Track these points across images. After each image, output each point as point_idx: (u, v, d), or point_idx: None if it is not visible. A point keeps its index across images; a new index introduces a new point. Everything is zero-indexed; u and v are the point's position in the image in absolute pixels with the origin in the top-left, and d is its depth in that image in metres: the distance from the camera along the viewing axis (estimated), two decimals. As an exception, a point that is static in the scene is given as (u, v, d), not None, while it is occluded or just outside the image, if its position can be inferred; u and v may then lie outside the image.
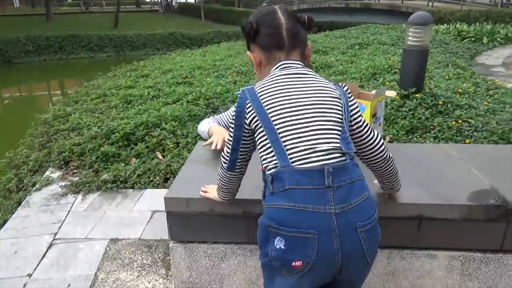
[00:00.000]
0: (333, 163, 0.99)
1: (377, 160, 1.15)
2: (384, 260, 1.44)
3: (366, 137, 1.12)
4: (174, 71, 5.78)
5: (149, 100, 4.33)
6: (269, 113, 1.04)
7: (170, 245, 1.52)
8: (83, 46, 18.60)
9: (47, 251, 2.14)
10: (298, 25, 1.13)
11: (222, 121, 2.06)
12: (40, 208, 2.61)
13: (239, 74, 5.37)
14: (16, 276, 1.94)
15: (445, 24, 10.61)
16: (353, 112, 1.12)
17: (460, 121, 3.12)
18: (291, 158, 1.00)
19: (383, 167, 1.18)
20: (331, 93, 1.08)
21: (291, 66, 1.12)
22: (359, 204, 0.98)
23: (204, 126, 2.06)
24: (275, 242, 0.97)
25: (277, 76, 1.11)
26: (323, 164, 0.98)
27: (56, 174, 3.12)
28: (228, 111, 2.09)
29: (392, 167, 1.19)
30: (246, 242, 1.48)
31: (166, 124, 3.51)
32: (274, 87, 1.08)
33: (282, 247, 0.96)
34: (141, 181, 2.80)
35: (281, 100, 1.06)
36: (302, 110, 1.04)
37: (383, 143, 1.15)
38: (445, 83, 4.16)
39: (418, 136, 3.02)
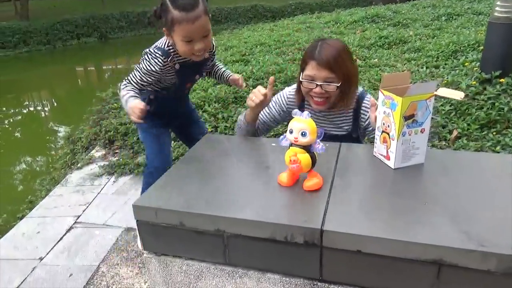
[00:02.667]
0: None
1: None
2: (391, 309, 1.11)
3: None
4: (235, 47, 5.60)
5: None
6: None
7: (144, 255, 1.37)
8: (169, 21, 19.35)
9: (64, 234, 2.17)
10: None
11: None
12: (74, 188, 2.68)
13: (301, 50, 4.98)
14: (30, 258, 1.99)
15: None
16: None
17: (557, 115, 2.46)
18: None
19: None
20: None
21: None
22: None
23: None
24: None
25: None
26: None
27: (100, 153, 3.19)
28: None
29: None
30: (222, 263, 1.26)
31: (209, 106, 3.37)
32: None
33: None
34: (173, 167, 2.72)
35: None
36: None
37: None
38: (548, 63, 3.33)
39: (495, 133, 2.45)
